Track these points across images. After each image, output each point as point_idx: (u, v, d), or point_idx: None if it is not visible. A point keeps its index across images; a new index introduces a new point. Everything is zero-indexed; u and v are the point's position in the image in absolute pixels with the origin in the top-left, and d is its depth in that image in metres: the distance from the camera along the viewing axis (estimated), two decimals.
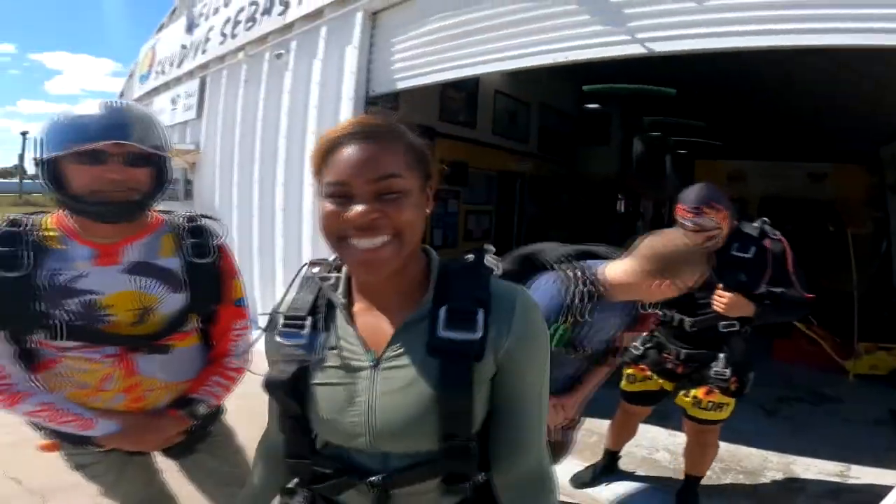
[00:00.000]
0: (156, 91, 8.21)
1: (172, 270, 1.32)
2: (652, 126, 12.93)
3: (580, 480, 2.76)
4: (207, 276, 1.36)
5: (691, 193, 2.17)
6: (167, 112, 7.44)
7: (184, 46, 7.35)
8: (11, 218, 1.22)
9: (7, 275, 1.14)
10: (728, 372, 2.24)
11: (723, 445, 3.04)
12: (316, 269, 0.92)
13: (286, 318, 0.89)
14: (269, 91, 5.17)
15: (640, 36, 2.63)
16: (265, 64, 5.26)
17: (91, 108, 1.19)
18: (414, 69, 3.77)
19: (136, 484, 1.48)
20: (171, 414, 1.34)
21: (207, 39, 6.59)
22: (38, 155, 1.19)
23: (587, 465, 2.85)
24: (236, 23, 5.89)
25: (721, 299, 2.13)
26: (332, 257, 0.91)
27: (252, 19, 5.55)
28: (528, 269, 1.75)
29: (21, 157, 65.16)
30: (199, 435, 1.44)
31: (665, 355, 2.45)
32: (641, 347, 2.53)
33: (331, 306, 0.89)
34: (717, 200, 2.13)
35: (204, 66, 6.66)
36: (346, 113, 4.11)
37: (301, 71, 4.74)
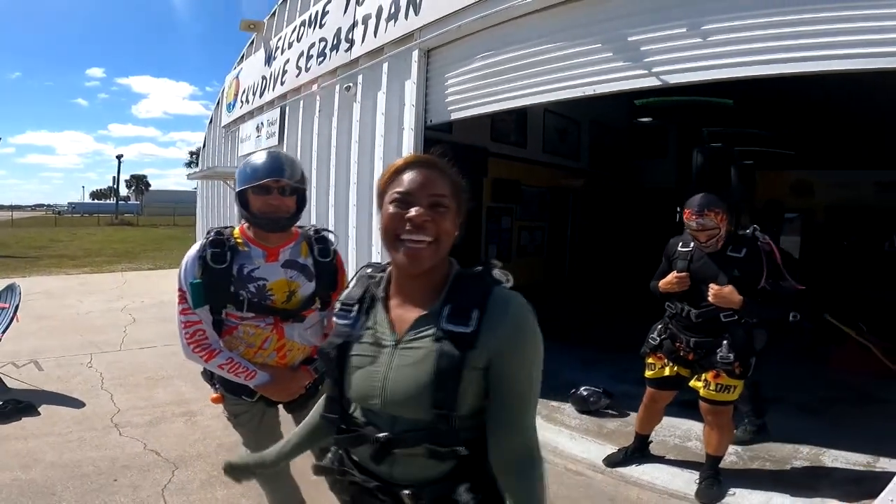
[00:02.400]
0: (241, 119, 9.16)
1: (307, 266, 1.90)
2: (712, 137, 12.76)
3: (612, 461, 3.12)
4: (328, 270, 1.94)
5: (695, 200, 2.63)
6: (252, 138, 8.32)
7: (264, 77, 8.25)
8: (216, 229, 1.85)
9: (217, 266, 1.75)
10: (732, 356, 2.59)
11: (757, 438, 3.37)
12: (369, 270, 1.19)
13: (341, 304, 1.16)
14: (341, 120, 5.80)
15: (655, 70, 2.99)
16: (336, 95, 5.89)
17: (260, 156, 1.81)
18: (464, 101, 4.25)
19: (267, 433, 2.01)
20: (302, 369, 1.93)
21: (285, 71, 7.37)
22: (235, 188, 1.84)
23: (619, 448, 3.22)
24: (309, 56, 6.59)
25: (711, 291, 2.55)
26: (383, 262, 1.19)
27: (322, 54, 6.22)
28: None
29: (115, 179, 71.35)
30: (312, 392, 1.98)
31: (677, 344, 2.82)
32: (658, 338, 2.92)
33: (374, 298, 1.13)
34: (717, 205, 2.57)
35: (283, 97, 7.45)
36: (408, 141, 4.64)
37: (367, 102, 5.33)
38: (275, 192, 1.77)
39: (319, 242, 1.96)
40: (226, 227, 1.90)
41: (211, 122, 11.77)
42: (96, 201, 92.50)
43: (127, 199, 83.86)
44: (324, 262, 1.93)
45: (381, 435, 1.04)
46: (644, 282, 2.99)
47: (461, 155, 1.09)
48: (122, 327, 6.60)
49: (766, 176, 10.90)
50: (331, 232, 2.06)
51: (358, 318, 1.11)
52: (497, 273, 1.08)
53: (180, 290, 1.77)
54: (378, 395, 1.04)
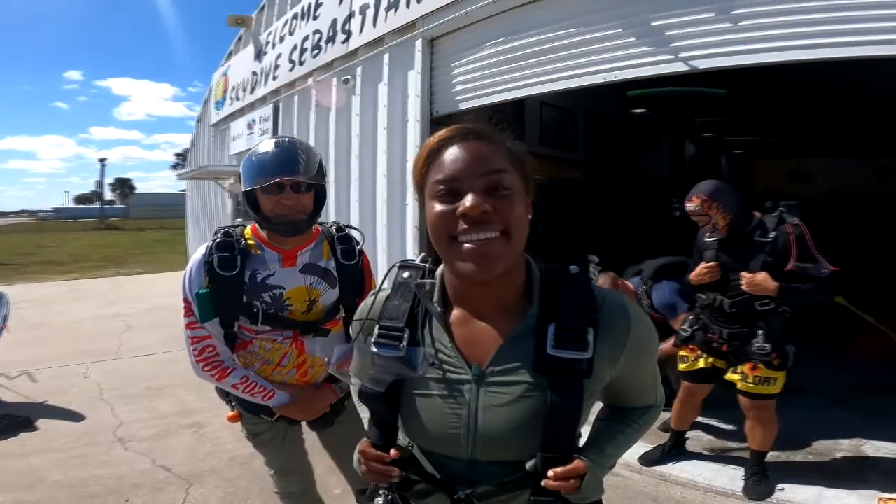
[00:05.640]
0: (232, 116, 8.90)
1: (330, 270, 1.66)
2: (703, 127, 12.75)
3: (649, 459, 2.99)
4: (353, 274, 1.70)
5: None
6: (244, 136, 8.09)
7: (254, 73, 8.01)
8: (225, 230, 1.60)
9: (225, 274, 1.51)
10: (768, 347, 2.49)
11: (793, 430, 3.21)
12: (406, 274, 0.91)
13: (382, 328, 0.87)
14: (339, 114, 5.60)
15: (682, 55, 2.86)
16: (333, 89, 5.67)
17: (268, 146, 1.55)
18: (474, 91, 4.08)
19: (291, 452, 1.84)
20: (326, 387, 1.72)
21: (277, 66, 7.15)
22: (241, 188, 1.58)
23: (655, 445, 3.08)
24: (303, 50, 6.37)
25: (744, 279, 2.44)
26: (419, 259, 0.94)
27: (318, 47, 6.02)
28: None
29: (99, 182, 70.30)
30: (338, 408, 1.79)
31: (710, 335, 2.72)
32: (689, 329, 2.81)
33: (427, 314, 0.87)
34: (706, 194, 2.53)
35: (276, 92, 7.22)
36: (414, 133, 4.46)
37: (368, 95, 5.14)
38: (288, 190, 1.52)
39: (343, 242, 1.72)
40: (236, 226, 1.65)
41: (199, 120, 11.50)
42: (81, 206, 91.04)
43: (112, 202, 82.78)
44: (348, 265, 1.69)
45: (460, 494, 0.83)
46: None
47: None
48: (117, 334, 6.38)
49: (762, 165, 10.92)
50: (356, 229, 1.81)
51: (414, 351, 0.84)
52: (593, 270, 0.88)
53: (186, 301, 1.54)
54: (464, 444, 0.82)
